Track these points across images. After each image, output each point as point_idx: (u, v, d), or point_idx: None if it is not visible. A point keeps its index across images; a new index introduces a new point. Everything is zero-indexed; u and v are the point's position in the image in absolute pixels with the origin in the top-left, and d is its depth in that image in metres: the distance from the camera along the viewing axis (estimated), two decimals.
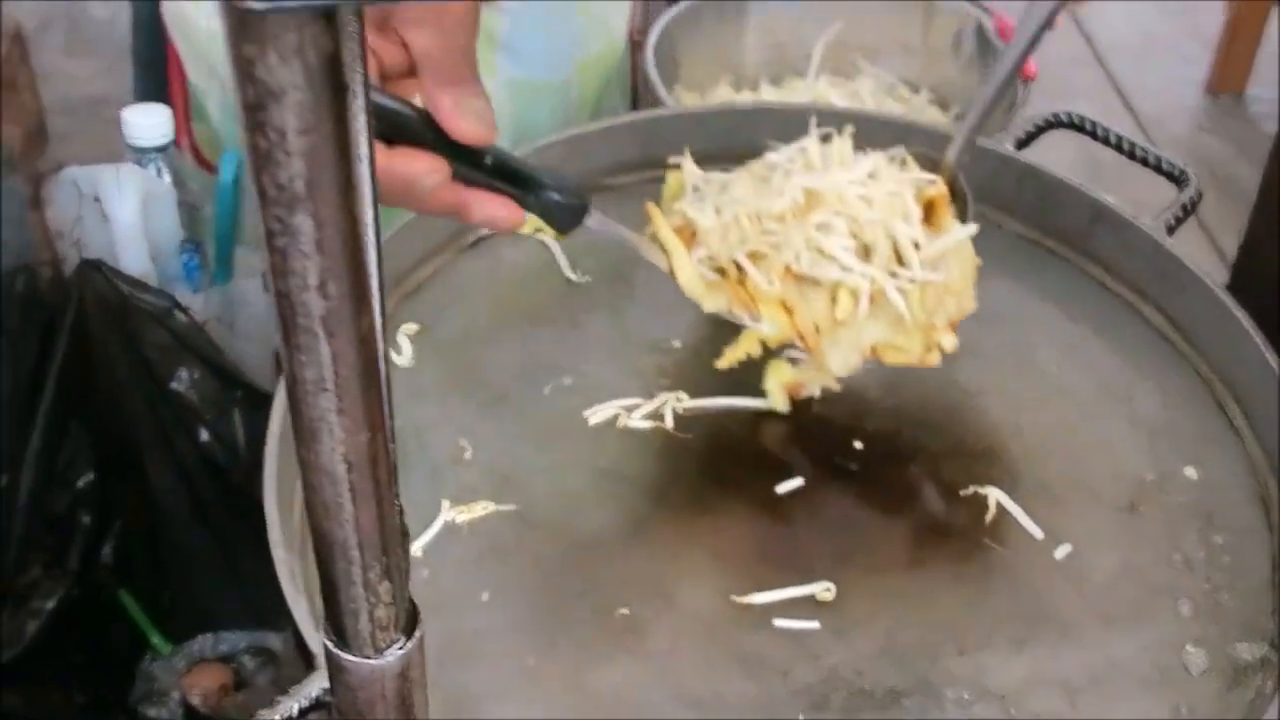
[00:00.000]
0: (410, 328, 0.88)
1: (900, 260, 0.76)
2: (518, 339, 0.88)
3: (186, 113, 1.31)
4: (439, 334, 0.88)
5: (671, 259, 0.77)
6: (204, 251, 1.20)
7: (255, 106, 0.31)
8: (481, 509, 0.78)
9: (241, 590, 1.24)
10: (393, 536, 0.41)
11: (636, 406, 0.84)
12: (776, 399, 0.82)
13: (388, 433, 0.39)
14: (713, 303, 0.78)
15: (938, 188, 0.80)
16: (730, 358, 0.80)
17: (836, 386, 0.81)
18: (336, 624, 0.42)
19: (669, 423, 0.83)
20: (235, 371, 1.15)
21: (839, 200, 0.77)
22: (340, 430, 0.37)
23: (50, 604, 1.02)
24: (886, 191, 0.77)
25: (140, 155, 1.14)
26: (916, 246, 0.76)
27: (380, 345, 0.37)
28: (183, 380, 1.14)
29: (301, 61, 0.30)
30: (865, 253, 0.76)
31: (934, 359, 0.78)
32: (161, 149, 1.14)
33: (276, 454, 0.75)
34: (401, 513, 0.43)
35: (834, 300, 0.75)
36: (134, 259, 1.12)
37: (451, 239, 0.93)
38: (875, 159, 0.80)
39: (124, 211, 1.10)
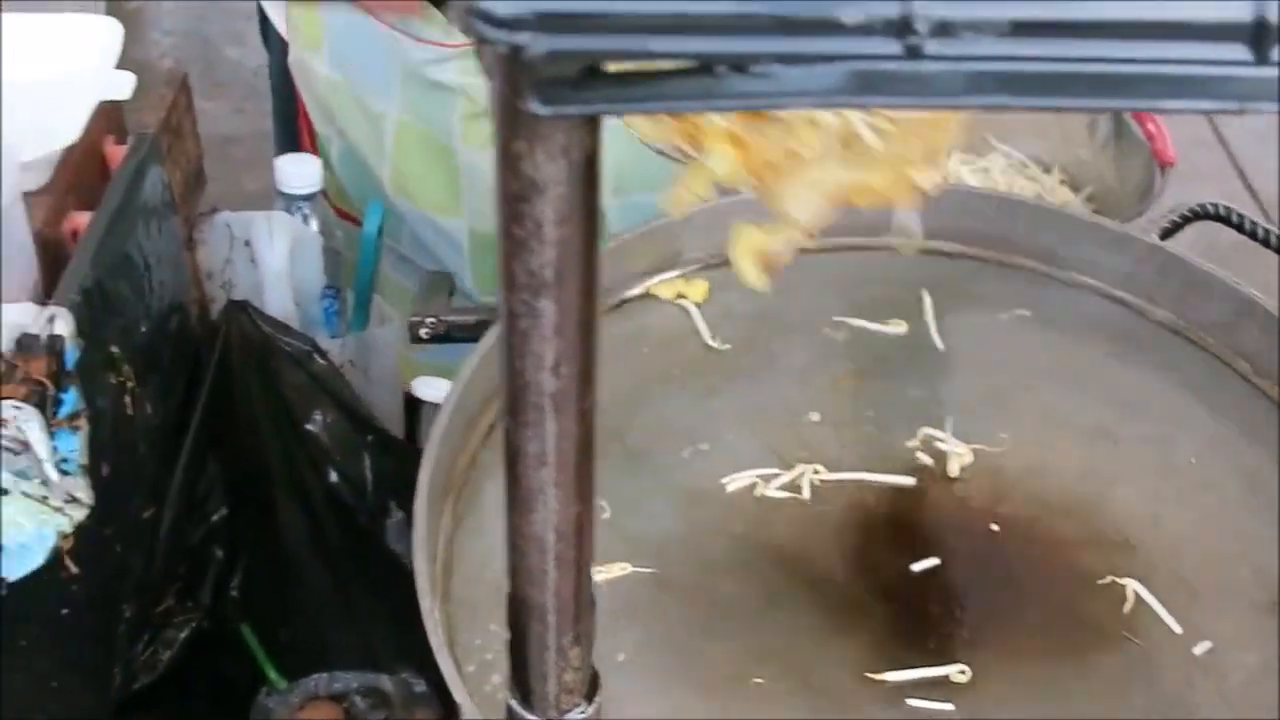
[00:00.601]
0: None
1: None
2: (657, 403, 0.90)
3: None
4: None
5: None
6: (343, 298, 1.24)
7: (517, 198, 0.32)
8: (619, 570, 0.79)
9: (357, 630, 1.27)
10: (586, 605, 0.43)
11: (774, 476, 0.85)
12: (748, 273, 0.70)
13: (593, 506, 0.41)
14: (653, 134, 0.66)
15: None
16: (676, 198, 0.71)
17: (810, 242, 0.69)
18: (523, 686, 0.44)
19: (806, 494, 0.84)
20: (368, 416, 1.18)
21: None
22: (555, 502, 0.39)
23: (183, 634, 1.04)
24: None
25: (289, 202, 1.18)
26: None
27: (595, 424, 0.39)
28: (317, 422, 1.17)
29: (566, 160, 0.32)
30: None
31: (914, 200, 0.67)
32: (309, 197, 1.18)
33: (426, 508, 0.77)
34: (591, 581, 0.44)
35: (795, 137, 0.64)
36: (279, 302, 1.15)
37: None
38: None
39: (273, 256, 1.14)
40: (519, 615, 0.42)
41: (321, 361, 1.16)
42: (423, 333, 0.97)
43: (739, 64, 0.29)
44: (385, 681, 1.29)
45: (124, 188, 0.97)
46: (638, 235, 0.95)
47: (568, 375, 0.36)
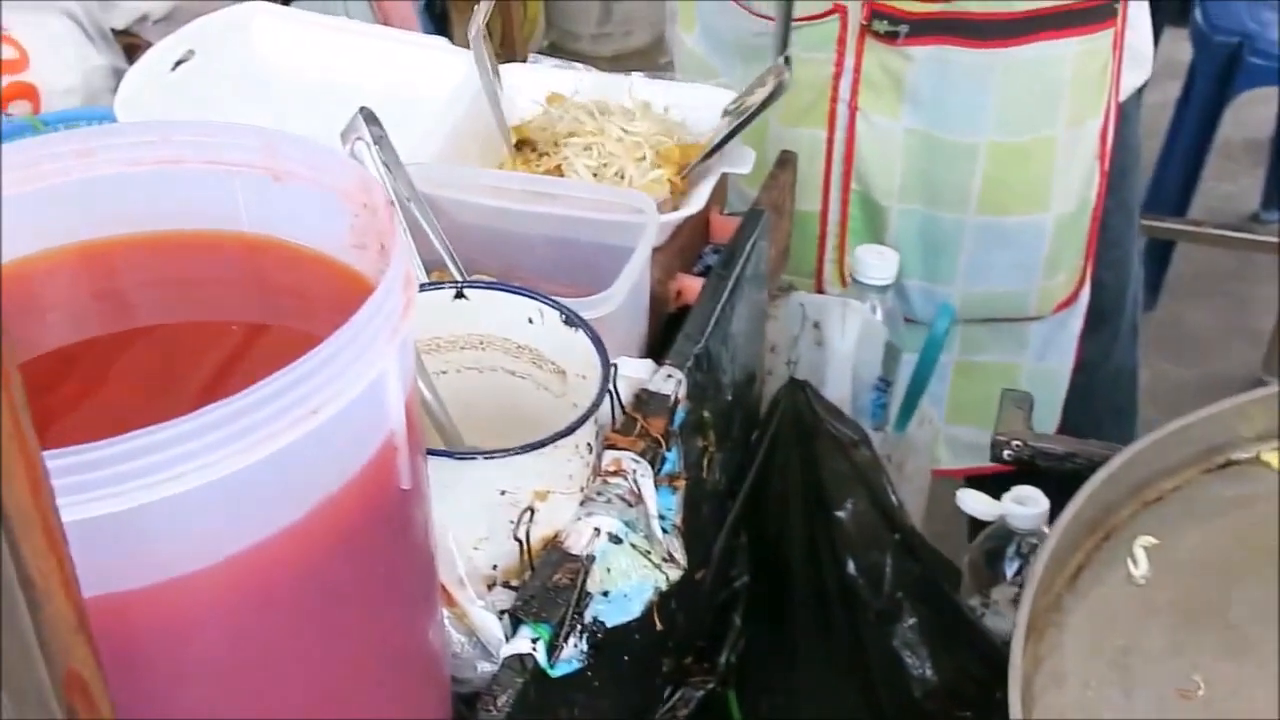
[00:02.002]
0: (1148, 540, 0.86)
1: None
2: (1264, 579, 0.83)
3: None
4: (1177, 553, 0.85)
5: None
6: (891, 392, 1.24)
7: None
8: None
9: None
10: None
11: None
12: None
13: None
14: None
15: None
16: None
17: None
18: None
19: None
20: (897, 513, 1.17)
21: None
22: None
23: (699, 694, 1.06)
24: None
25: (863, 291, 1.19)
26: None
27: None
28: (847, 510, 1.17)
29: None
30: None
31: None
32: (882, 289, 1.19)
33: (1021, 646, 0.75)
34: None
35: None
36: (837, 387, 1.17)
37: (1199, 457, 0.90)
38: None
39: (843, 343, 1.15)
40: None
41: (865, 452, 1.16)
42: (1006, 454, 0.95)
43: None
44: None
45: (737, 259, 1.01)
46: (1257, 398, 0.90)
47: None
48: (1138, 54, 1.34)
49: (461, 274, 0.95)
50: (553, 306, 0.82)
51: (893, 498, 1.16)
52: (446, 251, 0.94)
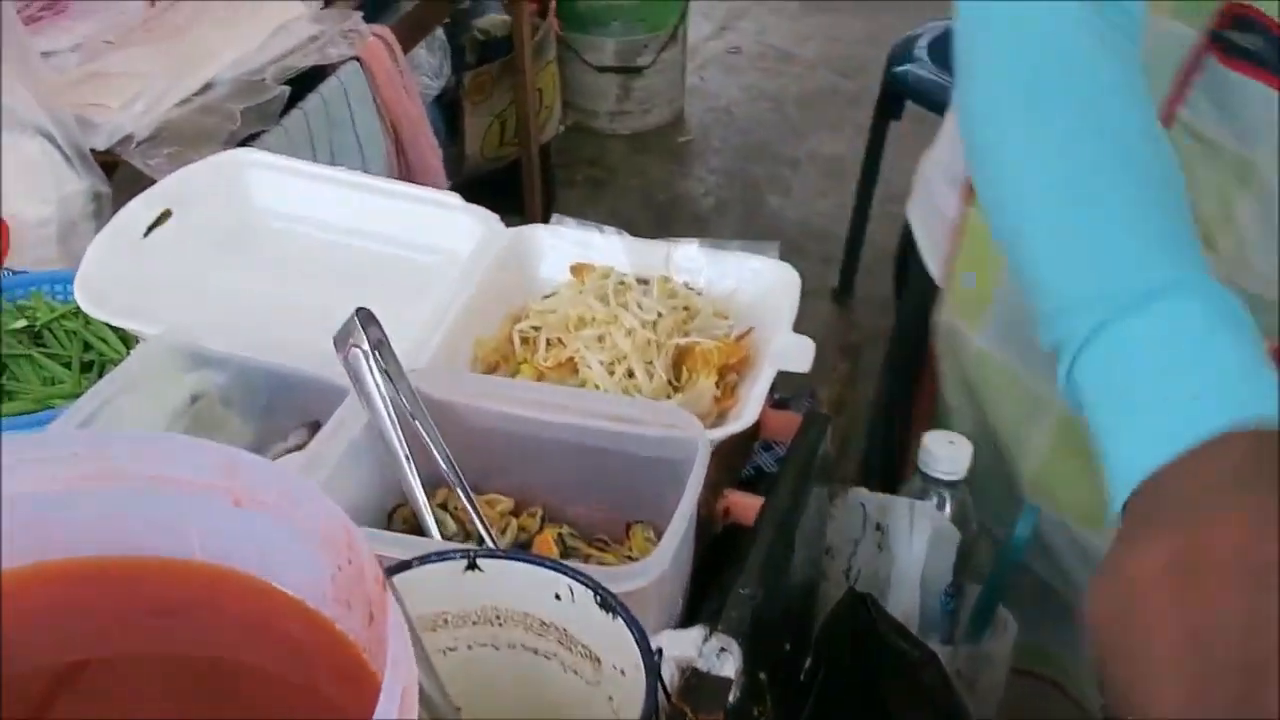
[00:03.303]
0: None
1: None
2: None
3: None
4: None
5: None
6: (962, 598, 1.08)
7: None
8: None
9: None
10: None
11: None
12: None
13: None
14: None
15: None
16: None
17: None
18: None
19: None
20: None
21: None
22: None
23: None
24: None
25: (931, 486, 1.04)
26: None
27: None
28: None
29: None
30: None
31: None
32: (953, 485, 1.04)
33: None
34: None
35: None
36: (903, 599, 1.01)
37: None
38: None
39: (911, 550, 1.00)
40: None
41: (935, 673, 1.00)
42: None
43: None
44: None
45: (803, 478, 0.86)
46: None
47: None
48: None
49: (476, 510, 0.80)
50: (584, 584, 0.67)
51: None
52: (459, 481, 0.80)
